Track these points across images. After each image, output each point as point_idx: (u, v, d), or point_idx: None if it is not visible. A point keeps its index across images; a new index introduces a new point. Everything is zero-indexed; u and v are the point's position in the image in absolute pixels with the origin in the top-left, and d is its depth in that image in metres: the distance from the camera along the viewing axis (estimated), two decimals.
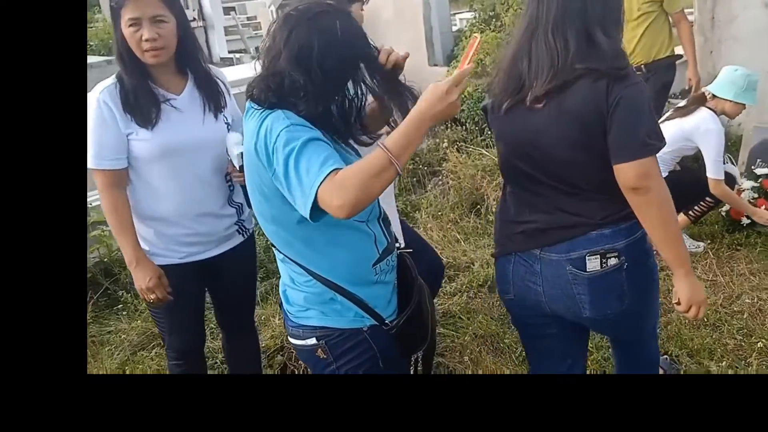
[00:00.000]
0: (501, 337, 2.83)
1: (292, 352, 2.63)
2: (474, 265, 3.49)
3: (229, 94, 2.08)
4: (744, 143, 4.06)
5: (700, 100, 3.34)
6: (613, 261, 1.56)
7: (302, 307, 1.51)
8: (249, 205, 2.07)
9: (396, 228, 2.09)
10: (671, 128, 3.30)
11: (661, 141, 1.49)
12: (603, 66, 1.47)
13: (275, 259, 1.63)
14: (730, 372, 2.42)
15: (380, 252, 1.51)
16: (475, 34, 1.50)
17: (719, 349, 2.59)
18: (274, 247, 1.52)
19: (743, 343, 2.63)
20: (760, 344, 2.55)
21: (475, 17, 6.57)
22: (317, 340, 1.49)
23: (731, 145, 4.38)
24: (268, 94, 1.38)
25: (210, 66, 2.06)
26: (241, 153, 1.94)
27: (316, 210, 1.27)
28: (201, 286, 2.14)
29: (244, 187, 2.01)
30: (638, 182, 1.46)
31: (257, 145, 1.37)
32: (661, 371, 2.33)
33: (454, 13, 8.15)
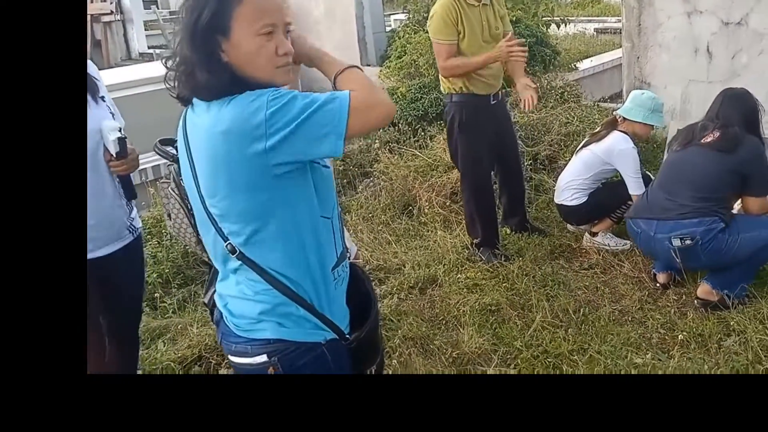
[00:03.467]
0: (431, 339, 2.90)
1: (211, 362, 2.57)
2: (405, 267, 3.55)
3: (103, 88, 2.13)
4: (668, 145, 4.31)
5: (612, 124, 3.64)
6: None
7: (254, 319, 1.41)
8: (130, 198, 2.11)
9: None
10: (588, 154, 3.59)
11: None
12: None
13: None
14: (654, 363, 2.57)
15: (338, 255, 1.48)
16: None
17: (644, 344, 2.75)
18: (231, 253, 1.39)
19: (666, 337, 2.80)
20: (680, 336, 2.72)
21: (408, 18, 6.71)
22: (269, 356, 1.38)
23: (657, 147, 4.65)
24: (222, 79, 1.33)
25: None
26: (118, 139, 1.98)
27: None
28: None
29: (123, 180, 2.09)
30: None
31: (229, 130, 1.27)
32: None
33: (389, 14, 8.28)
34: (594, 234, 3.68)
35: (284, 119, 1.25)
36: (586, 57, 7.62)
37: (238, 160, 1.28)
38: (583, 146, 3.73)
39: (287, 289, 1.39)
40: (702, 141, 2.99)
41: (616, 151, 3.53)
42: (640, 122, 3.58)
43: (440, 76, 3.49)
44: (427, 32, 6.26)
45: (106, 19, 7.76)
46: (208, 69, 1.31)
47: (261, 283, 1.39)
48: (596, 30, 10.05)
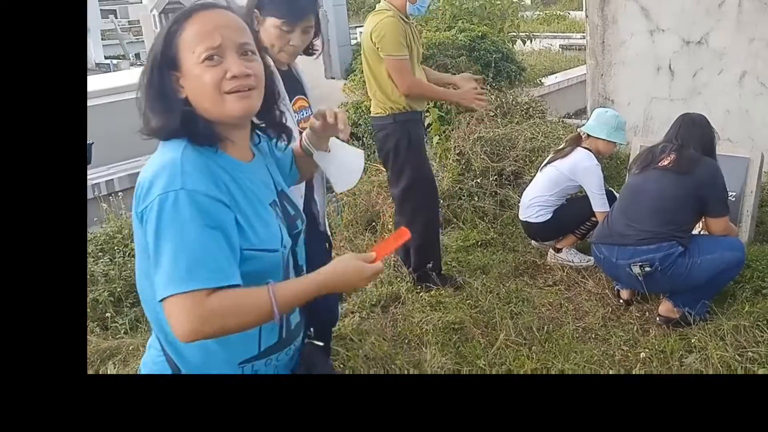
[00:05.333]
0: (393, 359, 2.88)
1: None
2: (367, 285, 3.54)
3: None
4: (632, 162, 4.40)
5: (576, 141, 3.71)
6: None
7: None
8: None
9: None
10: (553, 171, 3.65)
11: None
12: None
13: None
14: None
15: (261, 348, 1.29)
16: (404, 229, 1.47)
17: (607, 361, 2.77)
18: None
19: (629, 354, 2.83)
20: (642, 354, 2.75)
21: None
22: None
23: (620, 163, 4.74)
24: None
25: None
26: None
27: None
28: None
29: None
30: None
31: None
32: None
33: (354, 27, 8.32)
34: (558, 250, 3.72)
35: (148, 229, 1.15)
36: (552, 73, 7.78)
37: None
38: (548, 163, 3.79)
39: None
40: (659, 164, 3.06)
41: (581, 168, 3.60)
42: (603, 139, 3.66)
43: (378, 97, 3.29)
44: None
45: None
46: (153, 107, 1.24)
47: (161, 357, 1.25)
48: (561, 46, 10.27)
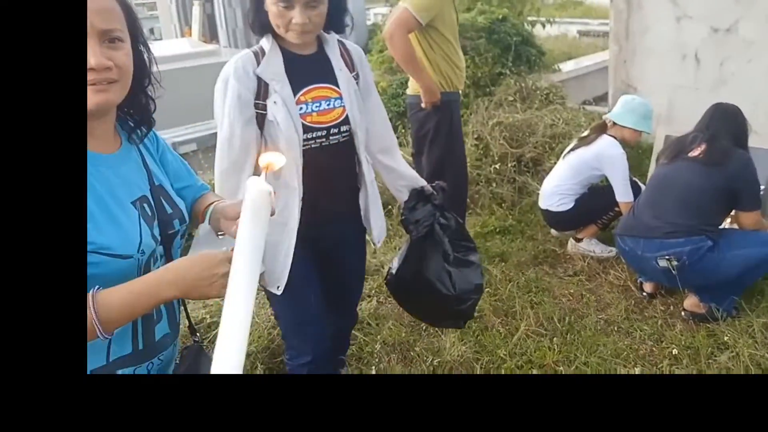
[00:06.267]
0: (411, 345, 2.80)
1: None
2: (383, 269, 3.44)
3: None
4: (655, 151, 4.27)
5: (601, 129, 3.58)
6: None
7: None
8: None
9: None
10: (576, 159, 3.51)
11: None
12: None
13: None
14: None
15: (110, 359, 1.07)
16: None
17: (632, 355, 2.67)
18: None
19: (654, 349, 2.73)
20: (675, 351, 2.65)
21: (391, 12, 6.60)
22: None
23: (642, 153, 4.61)
24: None
25: None
26: None
27: None
28: None
29: None
30: None
31: None
32: None
33: (369, 8, 8.16)
34: (579, 240, 3.61)
35: None
36: (569, 59, 7.60)
37: None
38: (571, 150, 3.66)
39: None
40: (689, 154, 2.94)
41: (606, 156, 3.47)
42: (630, 128, 3.53)
43: (402, 39, 3.07)
44: None
45: None
46: None
47: None
48: (579, 32, 10.06)
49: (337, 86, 1.93)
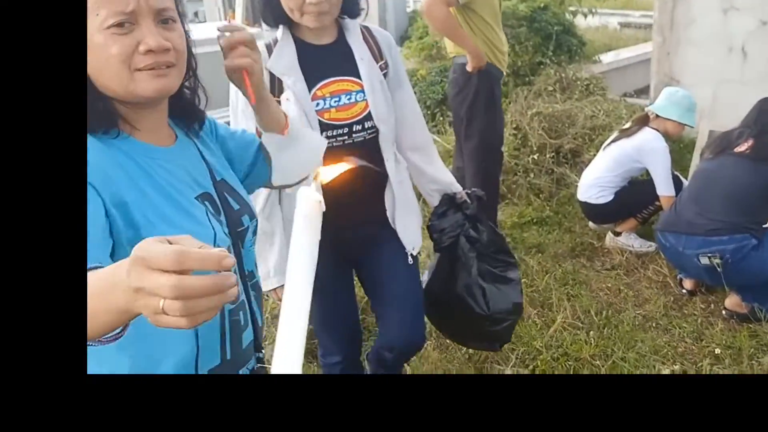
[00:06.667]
0: None
1: None
2: (420, 255, 3.41)
3: None
4: (697, 146, 4.15)
5: (643, 121, 3.48)
6: None
7: None
8: None
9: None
10: (617, 151, 3.42)
11: None
12: None
13: None
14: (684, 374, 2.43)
15: (198, 371, 1.01)
16: None
17: (670, 353, 2.61)
18: None
19: (694, 347, 2.66)
20: (717, 351, 2.57)
21: None
22: None
23: (683, 147, 4.49)
24: None
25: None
26: None
27: None
28: None
29: None
30: None
31: None
32: None
33: None
34: (618, 234, 3.53)
35: None
36: (610, 50, 7.42)
37: None
38: (612, 142, 3.57)
39: None
40: (735, 150, 2.84)
41: (647, 149, 3.37)
42: (673, 120, 3.42)
43: (440, 8, 2.99)
44: None
45: None
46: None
47: None
48: (620, 24, 9.81)
49: (359, 78, 1.72)
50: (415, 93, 5.94)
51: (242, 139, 1.25)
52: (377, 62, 1.76)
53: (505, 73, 3.37)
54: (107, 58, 0.92)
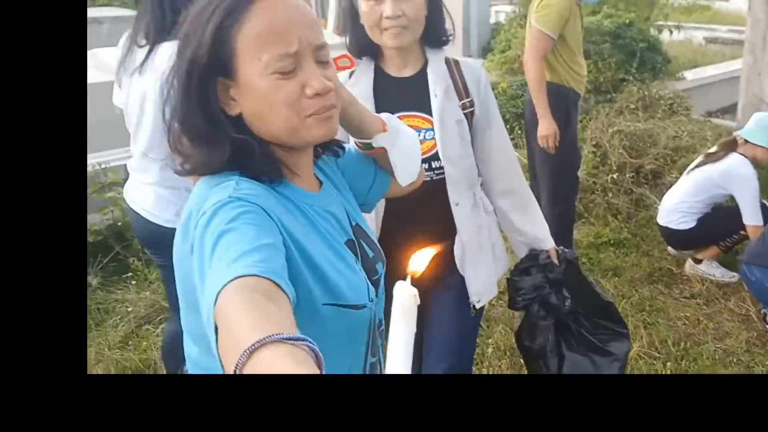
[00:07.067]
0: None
1: None
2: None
3: None
4: None
5: (731, 146, 3.35)
6: None
7: None
8: None
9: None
10: (701, 176, 3.32)
11: None
12: None
13: None
14: None
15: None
16: None
17: None
18: None
19: None
20: None
21: (516, 12, 6.46)
22: None
23: None
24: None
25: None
26: None
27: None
28: None
29: None
30: None
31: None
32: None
33: (492, 5, 8.01)
34: (698, 261, 3.42)
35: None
36: (694, 66, 7.16)
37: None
38: (696, 166, 3.46)
39: None
40: None
41: (734, 175, 3.25)
42: (763, 147, 3.28)
43: (535, 65, 3.09)
44: None
45: None
46: (192, 133, 0.89)
47: None
48: (705, 39, 9.43)
49: (430, 114, 1.61)
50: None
51: (358, 155, 1.16)
52: (460, 99, 1.64)
53: (582, 95, 3.36)
54: (272, 104, 0.86)
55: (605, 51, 5.49)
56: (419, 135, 1.58)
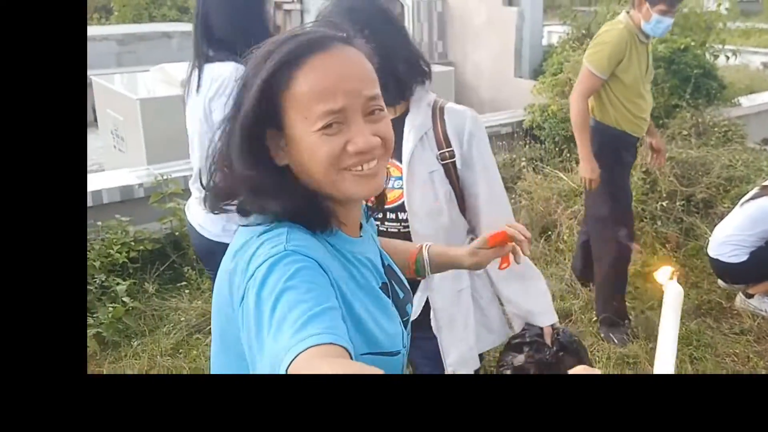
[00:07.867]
0: None
1: None
2: None
3: None
4: None
5: None
6: None
7: None
8: None
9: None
10: (755, 209, 3.15)
11: None
12: None
13: None
14: None
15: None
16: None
17: None
18: None
19: None
20: None
21: (568, 34, 6.33)
22: None
23: None
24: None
25: None
26: None
27: None
28: None
29: None
30: None
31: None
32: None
33: (544, 25, 7.89)
34: (750, 296, 3.25)
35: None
36: (751, 92, 6.86)
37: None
38: (750, 199, 3.30)
39: None
40: None
41: None
42: None
43: (578, 103, 2.92)
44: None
45: (287, 7, 7.98)
46: (258, 185, 0.86)
47: None
48: (763, 64, 9.05)
49: (399, 161, 1.47)
50: (544, 129, 5.66)
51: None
52: (440, 149, 1.48)
53: (641, 137, 3.16)
54: (313, 158, 0.85)
55: (659, 77, 5.31)
56: (388, 183, 1.43)
